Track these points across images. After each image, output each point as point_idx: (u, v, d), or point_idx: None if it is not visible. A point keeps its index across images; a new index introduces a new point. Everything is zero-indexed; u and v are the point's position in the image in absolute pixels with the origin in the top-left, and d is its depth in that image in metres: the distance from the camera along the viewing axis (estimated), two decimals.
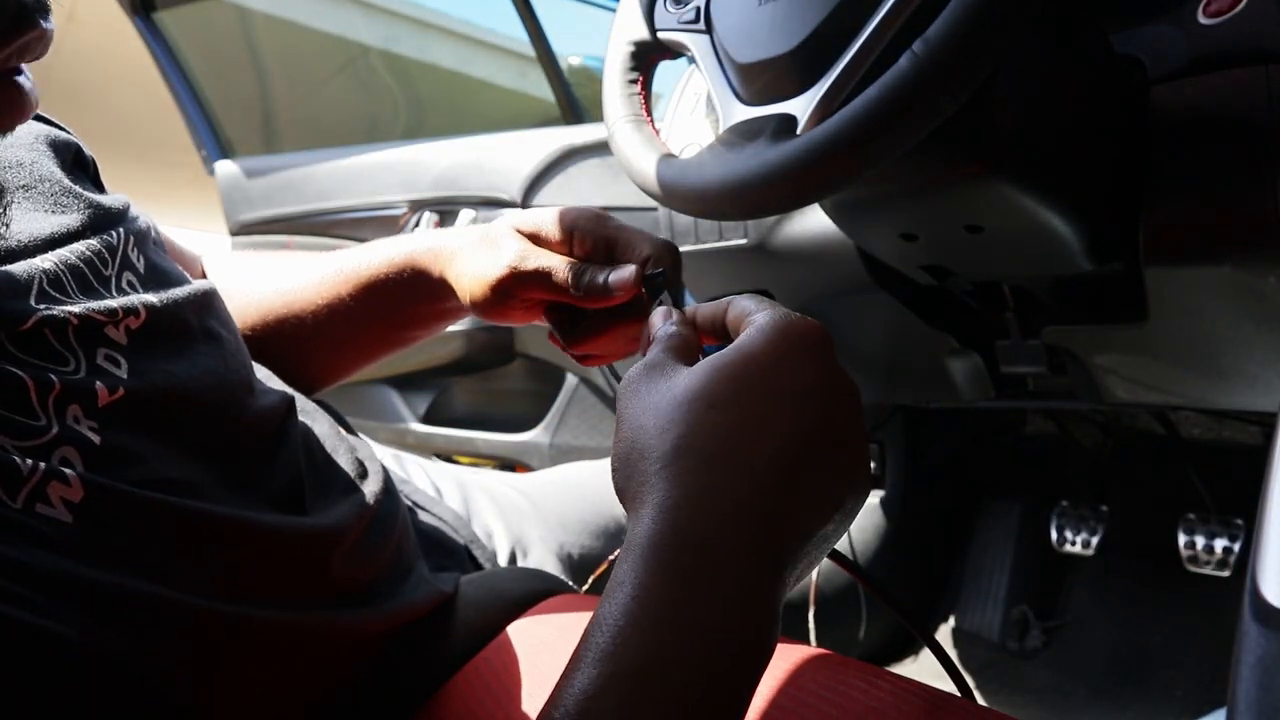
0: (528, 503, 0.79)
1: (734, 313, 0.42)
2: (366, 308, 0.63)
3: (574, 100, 1.68)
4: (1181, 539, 1.23)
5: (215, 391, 0.47)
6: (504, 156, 1.51)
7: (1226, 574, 1.21)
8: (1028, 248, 0.71)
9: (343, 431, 0.60)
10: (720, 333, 0.43)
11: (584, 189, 1.44)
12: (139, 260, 0.48)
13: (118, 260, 0.47)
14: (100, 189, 0.52)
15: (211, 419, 0.46)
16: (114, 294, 0.45)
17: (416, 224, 1.63)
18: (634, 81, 0.70)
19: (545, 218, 0.56)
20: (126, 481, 0.39)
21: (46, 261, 0.42)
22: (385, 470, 0.59)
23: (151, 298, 0.46)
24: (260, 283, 0.66)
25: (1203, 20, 0.62)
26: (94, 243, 0.46)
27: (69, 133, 0.52)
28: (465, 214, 1.56)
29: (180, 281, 0.50)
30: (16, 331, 0.39)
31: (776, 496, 0.35)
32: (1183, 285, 0.69)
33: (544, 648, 0.56)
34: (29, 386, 0.38)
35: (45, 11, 0.37)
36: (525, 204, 1.49)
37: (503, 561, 0.72)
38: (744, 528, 0.35)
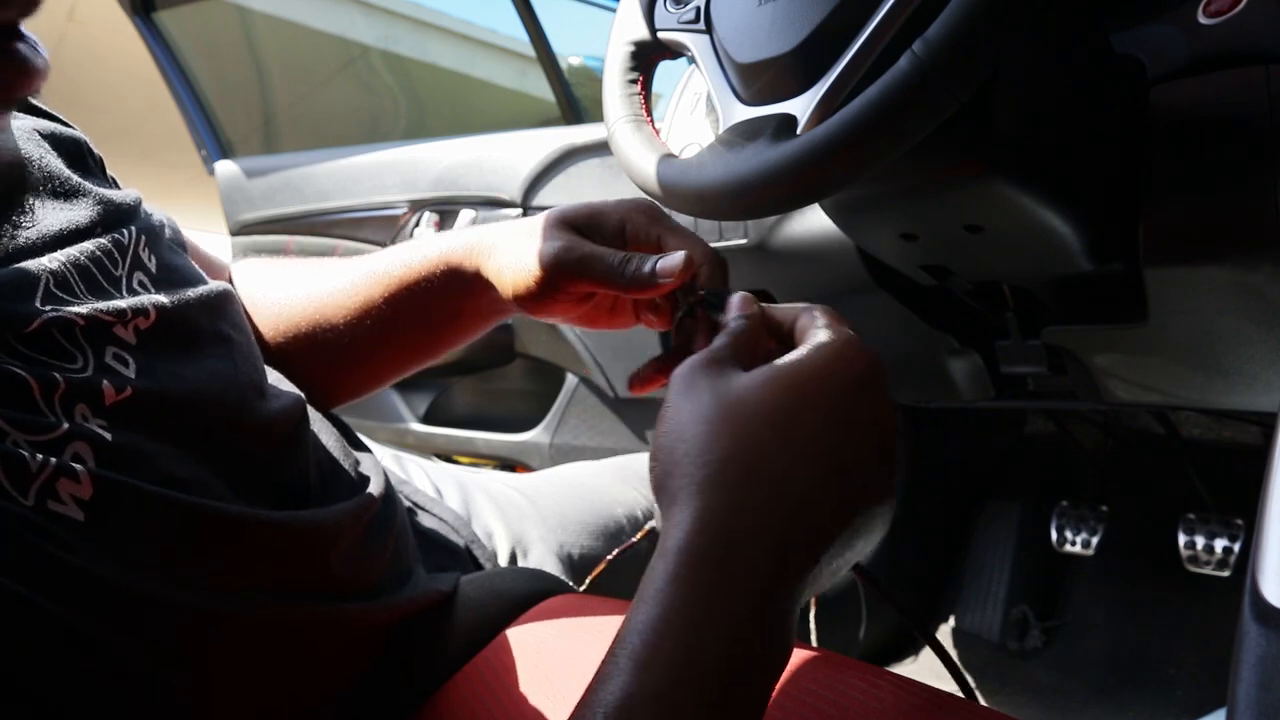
0: (528, 503, 0.79)
1: (803, 321, 0.42)
2: (400, 310, 0.61)
3: (574, 100, 1.68)
4: (1181, 539, 1.23)
5: (224, 394, 0.46)
6: (504, 156, 1.51)
7: (1226, 574, 1.21)
8: (1028, 248, 0.71)
9: (346, 443, 0.59)
10: (783, 337, 0.43)
11: (584, 189, 1.44)
12: (150, 259, 0.48)
13: (128, 259, 0.46)
14: (110, 185, 0.52)
15: (220, 422, 0.45)
16: (124, 294, 0.44)
17: (416, 224, 1.63)
18: (634, 81, 0.69)
19: (596, 210, 0.54)
20: (137, 478, 0.39)
21: (54, 262, 0.42)
22: (386, 478, 0.59)
23: (162, 298, 0.45)
24: (290, 290, 0.64)
25: (1203, 20, 0.62)
26: (104, 241, 0.45)
27: (74, 128, 0.52)
28: (465, 214, 1.56)
29: (194, 281, 0.50)
30: (22, 333, 0.39)
31: (815, 517, 0.36)
32: (1183, 285, 0.69)
33: (544, 648, 0.56)
34: (32, 386, 0.38)
35: None
36: (525, 204, 1.48)
37: (503, 561, 0.72)
38: (781, 546, 0.35)
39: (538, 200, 1.48)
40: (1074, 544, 1.33)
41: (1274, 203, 0.60)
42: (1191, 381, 0.83)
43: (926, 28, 0.48)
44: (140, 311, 0.44)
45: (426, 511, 0.70)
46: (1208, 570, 1.22)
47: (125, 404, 0.40)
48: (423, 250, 0.61)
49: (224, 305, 0.51)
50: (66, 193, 0.46)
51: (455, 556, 0.68)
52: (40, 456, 0.36)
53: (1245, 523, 1.22)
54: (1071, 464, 1.43)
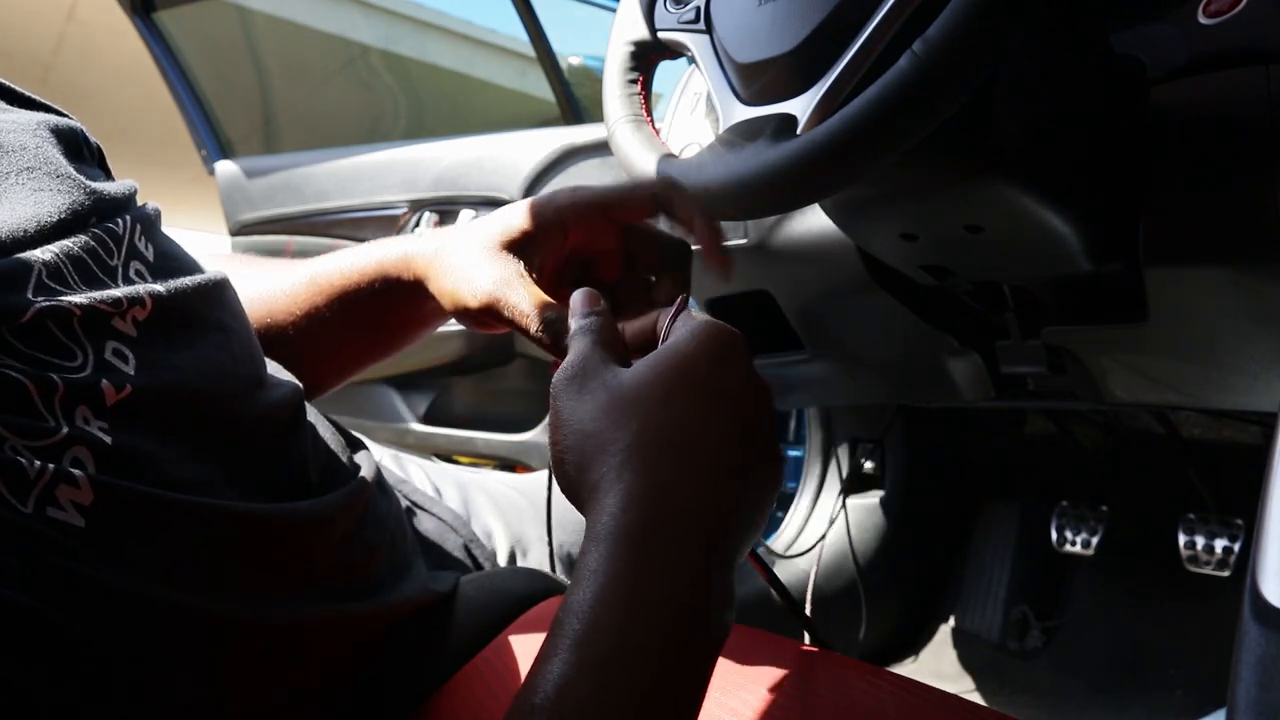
0: (527, 503, 0.79)
1: (660, 320, 0.46)
2: (343, 318, 0.62)
3: (574, 100, 1.69)
4: (1181, 539, 1.23)
5: (223, 386, 0.46)
6: (504, 156, 1.51)
7: (1226, 574, 1.21)
8: (1028, 248, 0.71)
9: (336, 430, 0.59)
10: (651, 344, 0.46)
11: None
12: (147, 248, 0.47)
13: (124, 249, 0.46)
14: (108, 175, 0.51)
15: (220, 415, 0.45)
16: (120, 284, 0.44)
17: (417, 224, 1.63)
18: (634, 81, 0.70)
19: (535, 225, 0.54)
20: (138, 482, 0.38)
21: (46, 252, 0.41)
22: (378, 468, 0.59)
23: (158, 287, 0.45)
24: (241, 289, 0.65)
25: (1203, 20, 0.62)
26: (97, 231, 0.44)
27: (71, 119, 0.51)
28: (465, 214, 1.56)
29: (192, 270, 0.49)
30: (16, 325, 0.38)
31: (724, 485, 0.38)
32: (1183, 285, 0.69)
33: None
34: (30, 390, 0.37)
35: None
36: None
37: (502, 561, 0.72)
38: (700, 515, 0.37)
39: None
40: (1074, 544, 1.33)
41: (1274, 203, 0.60)
42: (1191, 381, 0.83)
43: (926, 28, 0.48)
44: (136, 301, 0.43)
45: (425, 511, 0.70)
46: (1208, 570, 1.22)
47: (126, 403, 0.40)
48: (357, 261, 0.62)
49: (222, 294, 0.50)
50: (62, 182, 0.45)
51: (454, 556, 0.68)
52: (39, 463, 0.35)
53: (1245, 523, 1.21)
54: (1071, 464, 1.43)
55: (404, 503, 0.68)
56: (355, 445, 0.61)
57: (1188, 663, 1.21)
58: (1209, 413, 1.27)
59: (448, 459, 1.67)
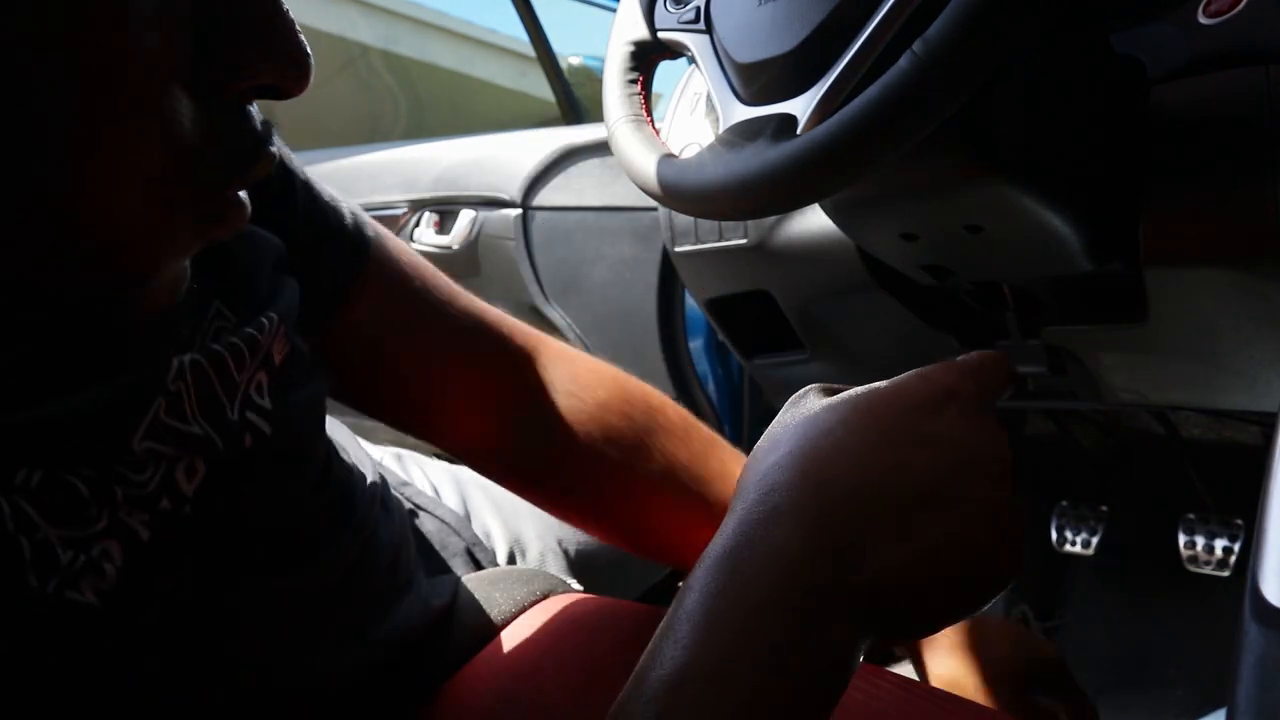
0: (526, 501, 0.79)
1: None
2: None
3: (574, 100, 1.69)
4: (1181, 539, 1.23)
5: (279, 520, 0.46)
6: (504, 156, 1.51)
7: (1226, 574, 1.21)
8: (1028, 248, 0.71)
9: (346, 455, 0.57)
10: None
11: (584, 189, 1.44)
12: (277, 354, 0.45)
13: (258, 359, 0.43)
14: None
15: (278, 550, 0.45)
16: (234, 410, 0.41)
17: (416, 224, 1.63)
18: (634, 81, 0.69)
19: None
20: (166, 575, 0.38)
21: (174, 382, 0.39)
22: (382, 483, 0.58)
23: (263, 424, 0.43)
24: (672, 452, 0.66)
25: (1203, 20, 0.62)
26: (234, 339, 0.42)
27: None
28: (465, 214, 1.56)
29: (303, 383, 0.47)
30: (128, 459, 0.37)
31: (866, 546, 0.34)
32: (1183, 285, 0.69)
33: (544, 648, 0.56)
34: (82, 493, 0.36)
35: (272, 137, 0.38)
36: (525, 204, 1.48)
37: (502, 561, 0.72)
38: (819, 571, 0.34)
39: (538, 200, 1.48)
40: (1074, 544, 1.33)
41: (1274, 203, 0.60)
42: (1191, 381, 0.83)
43: (926, 28, 0.48)
44: (237, 438, 0.42)
45: (427, 513, 0.70)
46: (1208, 570, 1.22)
47: (175, 514, 0.39)
48: None
49: (323, 413, 0.50)
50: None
51: (455, 558, 0.68)
52: (70, 553, 0.35)
53: (1245, 523, 1.21)
54: (1071, 464, 1.43)
55: (406, 505, 0.68)
56: (360, 460, 0.60)
57: (1188, 663, 1.21)
58: (1209, 413, 1.26)
59: (448, 458, 1.67)
